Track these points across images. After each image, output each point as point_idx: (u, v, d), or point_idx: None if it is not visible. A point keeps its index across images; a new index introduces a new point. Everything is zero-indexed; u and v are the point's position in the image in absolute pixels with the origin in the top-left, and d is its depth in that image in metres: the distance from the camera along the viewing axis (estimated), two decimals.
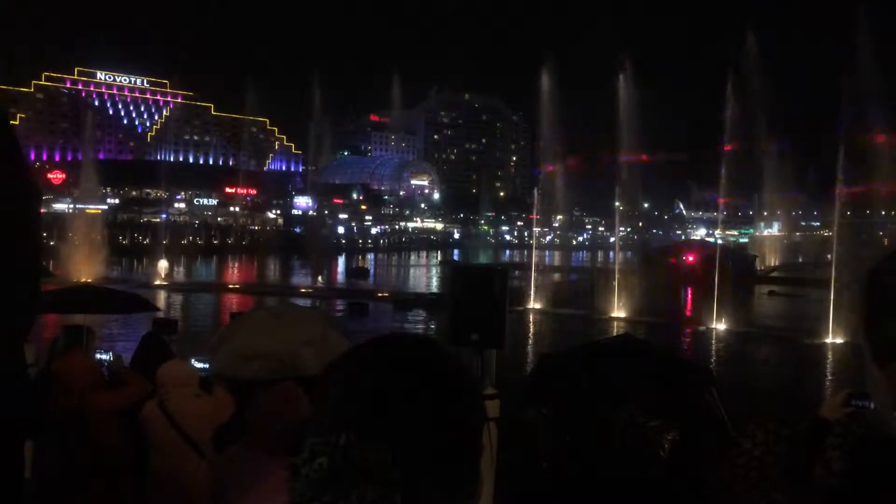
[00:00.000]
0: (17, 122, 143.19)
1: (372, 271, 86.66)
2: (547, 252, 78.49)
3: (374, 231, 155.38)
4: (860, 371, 1.30)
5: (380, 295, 51.44)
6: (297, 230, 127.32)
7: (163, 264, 62.60)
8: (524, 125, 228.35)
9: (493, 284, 6.27)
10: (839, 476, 1.82)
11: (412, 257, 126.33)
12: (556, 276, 62.46)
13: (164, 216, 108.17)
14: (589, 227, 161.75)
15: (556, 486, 5.77)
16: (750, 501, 1.96)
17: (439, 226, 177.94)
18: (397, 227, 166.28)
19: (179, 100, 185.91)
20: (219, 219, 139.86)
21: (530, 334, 36.99)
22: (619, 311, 44.05)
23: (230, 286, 59.34)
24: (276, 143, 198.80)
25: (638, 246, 70.80)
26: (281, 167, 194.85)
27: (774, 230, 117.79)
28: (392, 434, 1.09)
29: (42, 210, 1.96)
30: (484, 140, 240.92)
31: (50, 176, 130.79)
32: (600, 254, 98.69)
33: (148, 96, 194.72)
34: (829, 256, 45.39)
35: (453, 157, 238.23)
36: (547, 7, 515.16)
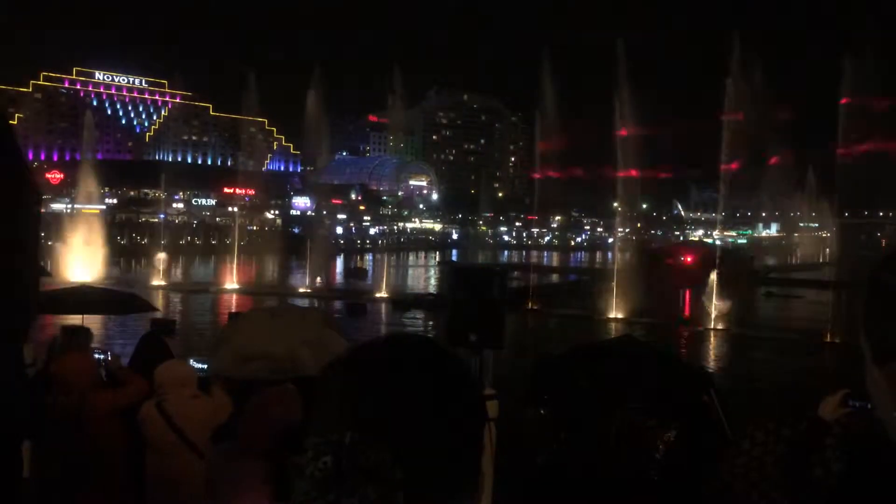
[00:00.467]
0: (15, 122, 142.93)
1: (370, 272, 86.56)
2: (545, 253, 78.58)
3: (372, 231, 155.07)
4: (860, 371, 1.30)
5: (378, 295, 51.46)
6: (296, 230, 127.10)
7: (161, 256, 62.98)
8: (523, 126, 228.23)
9: (492, 285, 6.28)
10: (838, 476, 1.82)
11: (411, 258, 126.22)
12: (555, 277, 62.50)
13: (162, 216, 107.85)
14: (587, 227, 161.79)
15: (556, 486, 5.77)
16: (749, 502, 1.96)
17: (438, 226, 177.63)
18: (396, 227, 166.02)
19: (178, 100, 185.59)
20: (217, 219, 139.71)
21: (529, 335, 36.96)
22: (617, 312, 44.07)
23: (228, 286, 59.28)
24: (275, 143, 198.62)
25: (636, 247, 70.86)
26: (279, 167, 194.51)
27: (773, 231, 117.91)
28: (393, 434, 1.09)
29: (41, 210, 1.95)
30: (483, 141, 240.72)
31: (48, 176, 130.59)
32: (598, 255, 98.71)
33: (146, 96, 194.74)
34: (826, 257, 45.53)
35: (452, 158, 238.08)
36: (547, 7, 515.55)
